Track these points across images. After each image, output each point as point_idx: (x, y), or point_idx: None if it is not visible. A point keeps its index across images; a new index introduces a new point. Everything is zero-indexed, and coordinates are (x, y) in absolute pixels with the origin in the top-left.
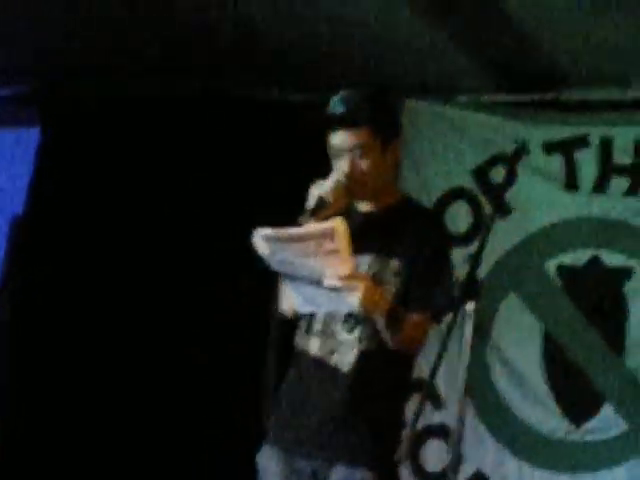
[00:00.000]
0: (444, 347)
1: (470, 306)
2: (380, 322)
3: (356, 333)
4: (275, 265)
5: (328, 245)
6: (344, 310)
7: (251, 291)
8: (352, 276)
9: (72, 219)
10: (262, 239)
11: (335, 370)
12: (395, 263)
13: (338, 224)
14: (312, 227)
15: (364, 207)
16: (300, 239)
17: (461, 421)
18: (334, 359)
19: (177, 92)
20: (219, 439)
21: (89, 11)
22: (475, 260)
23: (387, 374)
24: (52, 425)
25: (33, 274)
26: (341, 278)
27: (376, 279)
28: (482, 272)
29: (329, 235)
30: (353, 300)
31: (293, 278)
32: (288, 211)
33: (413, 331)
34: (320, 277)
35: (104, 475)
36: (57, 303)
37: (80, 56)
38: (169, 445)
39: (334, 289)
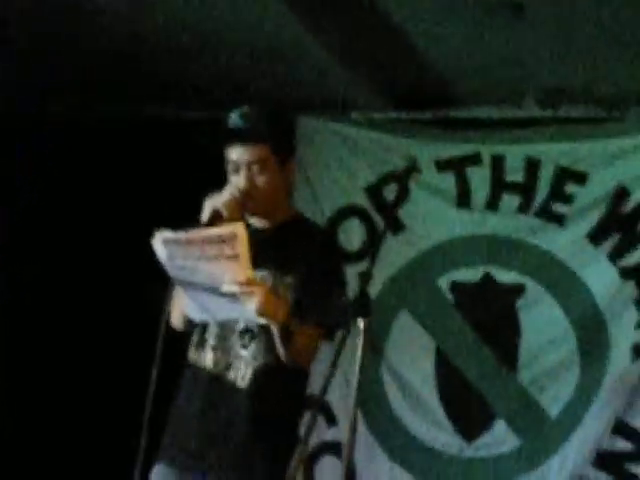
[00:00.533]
0: (335, 363)
1: (361, 323)
2: (276, 335)
3: (252, 348)
4: (173, 271)
5: (228, 250)
6: (241, 318)
7: (145, 302)
8: (250, 282)
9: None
10: (161, 242)
11: (232, 386)
12: (288, 279)
13: (239, 228)
14: (212, 230)
15: (257, 223)
16: (200, 242)
17: (352, 437)
18: (231, 375)
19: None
20: (108, 458)
21: None
22: (366, 277)
23: (283, 390)
24: (40, 424)
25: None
26: (240, 284)
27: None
28: (374, 289)
29: (229, 239)
30: (251, 306)
31: (189, 286)
32: (184, 225)
33: (304, 343)
34: (218, 283)
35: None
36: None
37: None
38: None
39: (232, 296)
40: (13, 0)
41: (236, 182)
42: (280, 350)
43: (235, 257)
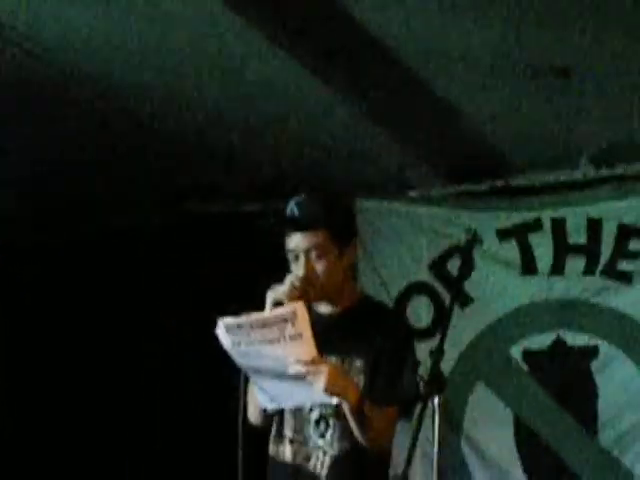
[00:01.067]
0: (414, 441)
1: (436, 399)
2: (351, 419)
3: (328, 436)
4: (238, 358)
5: (290, 330)
6: (311, 401)
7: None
8: (316, 361)
9: None
10: (224, 329)
11: (313, 476)
12: (359, 362)
13: (299, 306)
14: (273, 311)
15: (323, 309)
16: (262, 325)
17: None
18: (310, 465)
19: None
20: None
21: None
22: (438, 353)
23: (364, 474)
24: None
25: None
26: (305, 363)
27: None
28: (447, 364)
29: (290, 319)
30: (319, 386)
31: (256, 372)
32: None
33: (380, 423)
34: (284, 366)
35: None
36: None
37: None
38: None
39: (299, 378)
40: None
41: (296, 271)
42: (357, 433)
43: (298, 337)
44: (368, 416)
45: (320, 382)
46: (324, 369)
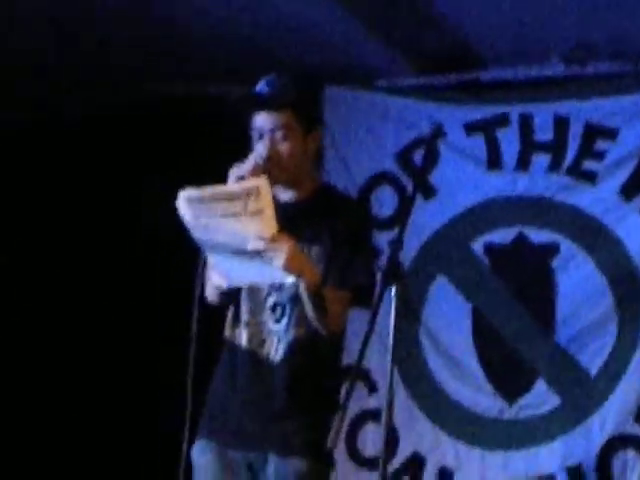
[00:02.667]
0: (370, 330)
1: (394, 289)
2: (307, 301)
3: (284, 323)
4: (197, 233)
5: (252, 205)
6: (268, 280)
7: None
8: (276, 238)
9: None
10: (185, 201)
11: (267, 361)
12: (318, 250)
13: (262, 182)
14: (236, 185)
15: (284, 196)
16: (224, 198)
17: (390, 402)
18: (265, 350)
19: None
20: (151, 437)
21: None
22: (397, 243)
23: (317, 361)
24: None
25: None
26: (266, 239)
27: None
28: (409, 255)
29: (254, 193)
30: (278, 262)
31: (214, 248)
32: None
33: (336, 307)
34: (244, 241)
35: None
36: None
37: None
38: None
39: (258, 254)
40: None
41: (260, 150)
42: (312, 316)
43: (260, 212)
44: (324, 298)
45: (280, 259)
46: (284, 246)
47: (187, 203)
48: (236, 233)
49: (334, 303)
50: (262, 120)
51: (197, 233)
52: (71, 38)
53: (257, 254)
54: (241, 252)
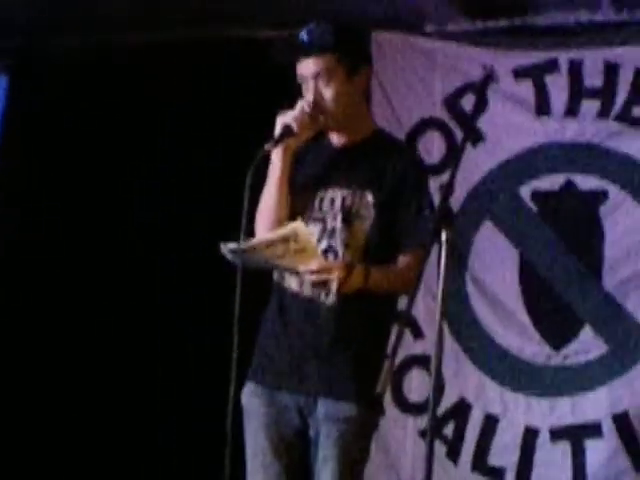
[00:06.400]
0: (419, 278)
1: (444, 234)
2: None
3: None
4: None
5: (293, 245)
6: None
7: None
8: (325, 267)
9: (41, 170)
10: (230, 253)
11: (318, 305)
12: (370, 197)
13: (298, 225)
14: (274, 234)
15: (337, 140)
16: (266, 246)
17: (439, 349)
18: (316, 294)
19: (144, 39)
20: (201, 381)
21: None
22: (447, 189)
23: (370, 306)
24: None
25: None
26: (313, 272)
27: (351, 213)
28: (456, 201)
29: (291, 237)
30: (333, 288)
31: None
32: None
33: (406, 274)
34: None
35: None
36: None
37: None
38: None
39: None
40: None
41: (306, 97)
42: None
43: (302, 250)
44: (382, 282)
45: (333, 286)
46: (334, 273)
47: (231, 254)
48: (287, 269)
49: (406, 271)
50: (304, 67)
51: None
52: None
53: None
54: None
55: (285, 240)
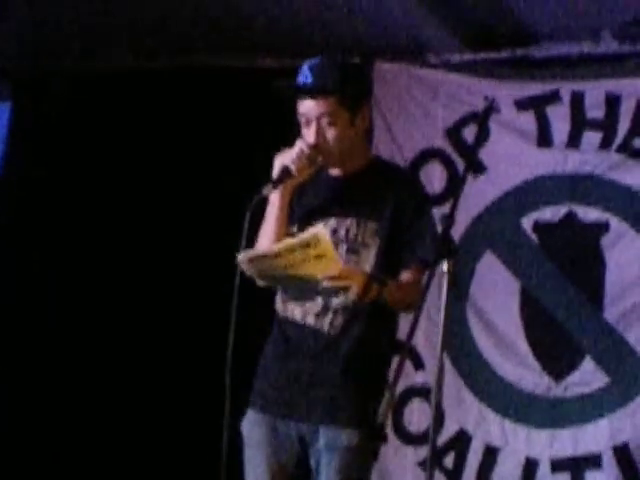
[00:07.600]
0: (420, 307)
1: (445, 265)
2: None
3: (341, 296)
4: (265, 282)
5: (314, 251)
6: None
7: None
8: (345, 273)
9: (46, 192)
10: (246, 262)
11: (321, 334)
12: (373, 224)
13: (319, 231)
14: (294, 240)
15: (335, 171)
16: (286, 251)
17: (439, 380)
18: (319, 323)
19: (147, 66)
20: (200, 408)
21: None
22: (449, 220)
23: (373, 335)
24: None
25: (3, 249)
26: (333, 279)
27: (356, 242)
28: (457, 231)
29: (312, 243)
30: (352, 295)
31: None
32: (258, 179)
33: (409, 290)
34: (313, 282)
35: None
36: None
37: (53, 33)
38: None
39: (331, 291)
40: None
41: (306, 136)
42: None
43: (323, 256)
44: (395, 293)
45: (353, 293)
46: (355, 279)
47: (248, 263)
48: (304, 278)
49: (408, 288)
50: (307, 107)
51: (264, 282)
52: None
53: (329, 291)
54: (312, 292)
55: (306, 245)
